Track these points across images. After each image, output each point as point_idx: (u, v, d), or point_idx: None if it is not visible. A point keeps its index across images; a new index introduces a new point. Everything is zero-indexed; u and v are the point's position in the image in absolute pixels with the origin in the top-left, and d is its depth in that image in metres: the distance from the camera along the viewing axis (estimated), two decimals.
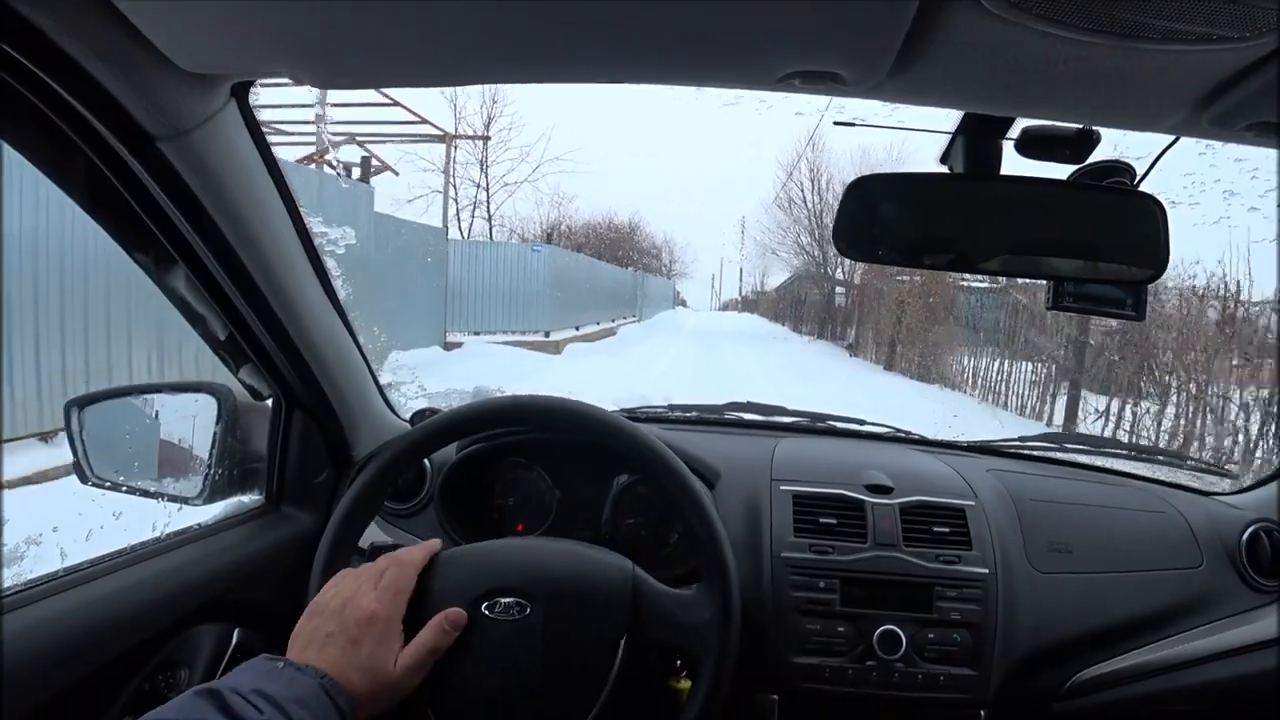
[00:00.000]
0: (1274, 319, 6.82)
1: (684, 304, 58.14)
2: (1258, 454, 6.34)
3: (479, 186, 25.86)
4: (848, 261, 20.10)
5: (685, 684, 0.87)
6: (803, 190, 26.53)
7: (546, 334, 15.60)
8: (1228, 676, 1.17)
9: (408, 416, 1.28)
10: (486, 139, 24.04)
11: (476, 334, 14.40)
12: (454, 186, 21.06)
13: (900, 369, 14.22)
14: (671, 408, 1.52)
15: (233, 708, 0.61)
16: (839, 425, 1.49)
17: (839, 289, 22.15)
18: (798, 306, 29.50)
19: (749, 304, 57.77)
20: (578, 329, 17.90)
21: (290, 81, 0.68)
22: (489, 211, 26.49)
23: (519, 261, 15.82)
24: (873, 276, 17.07)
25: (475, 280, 14.97)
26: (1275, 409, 6.36)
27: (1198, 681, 1.16)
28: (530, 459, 1.22)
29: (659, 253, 49.35)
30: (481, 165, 25.69)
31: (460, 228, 23.64)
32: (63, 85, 0.63)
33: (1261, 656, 1.18)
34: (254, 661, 0.71)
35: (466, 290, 14.64)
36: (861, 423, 1.50)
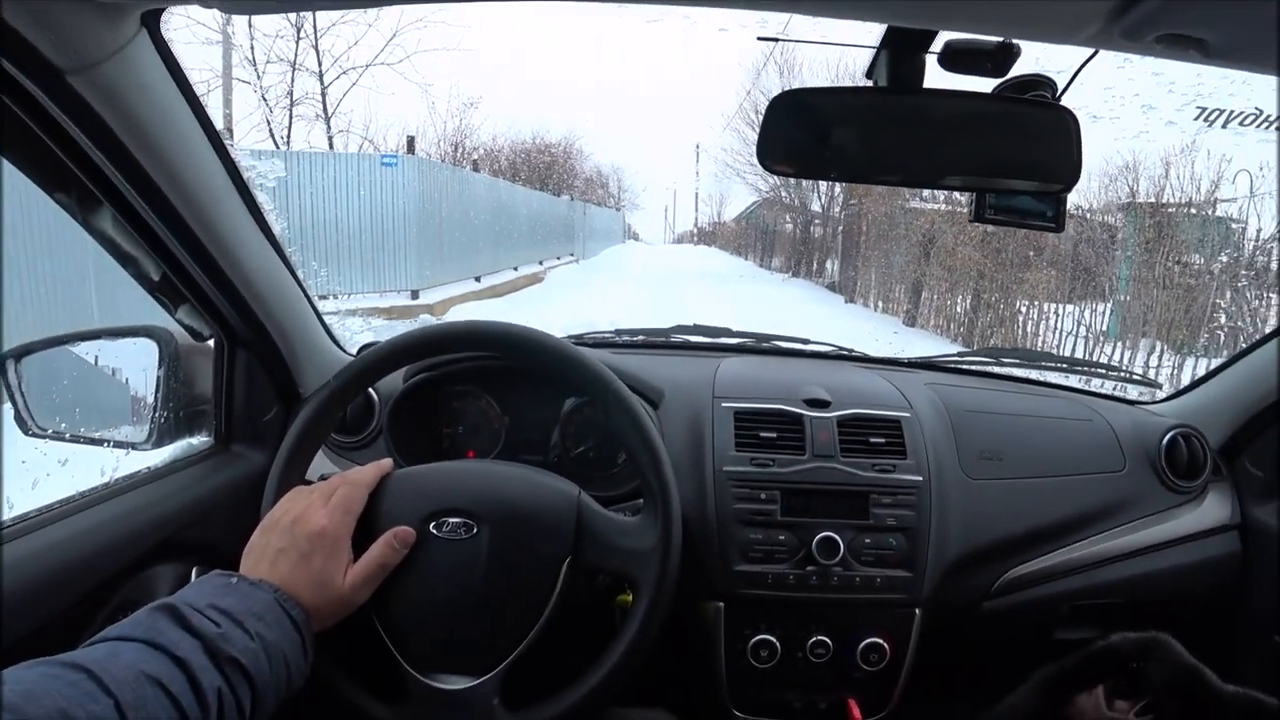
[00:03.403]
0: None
1: (636, 237, 55.14)
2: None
3: (296, 67, 15.50)
4: (823, 184, 16.56)
5: (631, 598, 0.91)
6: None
7: (414, 294, 10.99)
8: (1142, 572, 1.25)
9: (353, 350, 1.28)
10: None
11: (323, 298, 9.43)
12: (255, 68, 14.79)
13: (934, 326, 10.78)
14: (618, 332, 1.54)
15: (190, 621, 0.63)
16: (783, 345, 1.53)
17: (814, 221, 19.71)
18: (765, 238, 27.27)
19: (706, 236, 56.46)
20: (478, 280, 13.38)
21: (199, 7, 0.65)
22: (325, 107, 16.21)
23: (366, 182, 10.55)
24: (875, 201, 13.02)
25: (294, 212, 9.86)
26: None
27: (1116, 577, 1.25)
28: (478, 386, 1.24)
29: (605, 181, 45.39)
30: (299, 33, 15.24)
31: (274, 133, 15.49)
32: None
33: (1174, 553, 1.27)
34: (208, 577, 0.72)
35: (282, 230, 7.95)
36: (806, 342, 1.53)
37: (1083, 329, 8.23)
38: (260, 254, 1.02)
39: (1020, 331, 9.16)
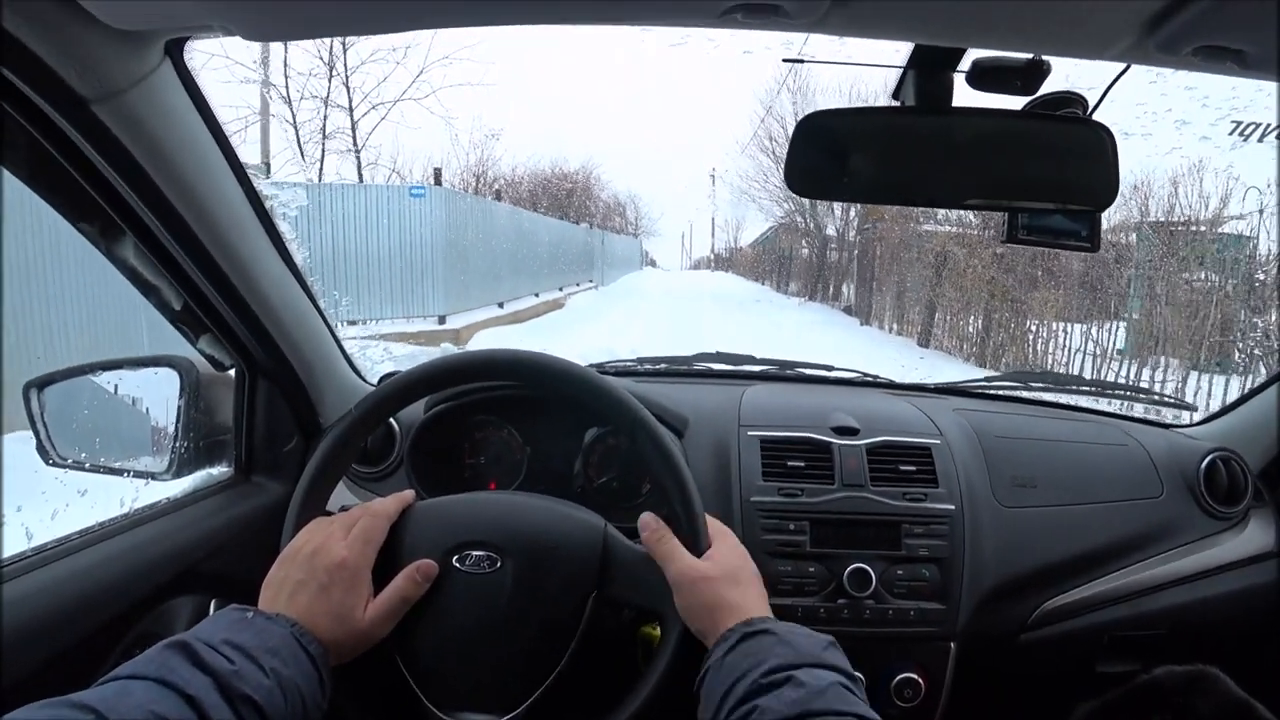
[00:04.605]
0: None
1: (653, 264, 55.35)
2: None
3: (328, 103, 16.12)
4: (838, 208, 17.07)
5: (657, 631, 0.88)
6: (785, 126, 22.45)
7: (441, 319, 11.28)
8: (1185, 601, 1.21)
9: (374, 380, 1.27)
10: None
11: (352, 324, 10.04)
12: (289, 103, 15.46)
13: (947, 347, 10.94)
14: (640, 361, 1.53)
15: (203, 658, 0.62)
16: (807, 371, 1.51)
17: (830, 244, 19.90)
18: (781, 263, 27.24)
19: (723, 261, 56.45)
20: (501, 306, 13.69)
21: (221, 35, 0.66)
22: (355, 141, 16.79)
23: (395, 213, 11.01)
24: (889, 224, 13.39)
25: (326, 243, 10.35)
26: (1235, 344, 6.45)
27: (1157, 607, 1.21)
28: (499, 416, 1.22)
29: (623, 209, 45.69)
30: (331, 71, 15.91)
31: (307, 166, 15.94)
32: None
33: (1216, 581, 1.23)
34: (223, 612, 0.71)
35: (314, 258, 7.09)
36: (829, 368, 1.51)
37: (1092, 345, 8.33)
38: (282, 283, 1.02)
39: (1031, 350, 9.29)
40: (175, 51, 0.74)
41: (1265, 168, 6.61)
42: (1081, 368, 8.29)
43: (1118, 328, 8.14)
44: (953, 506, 1.12)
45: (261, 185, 0.93)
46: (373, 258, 10.88)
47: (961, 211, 9.92)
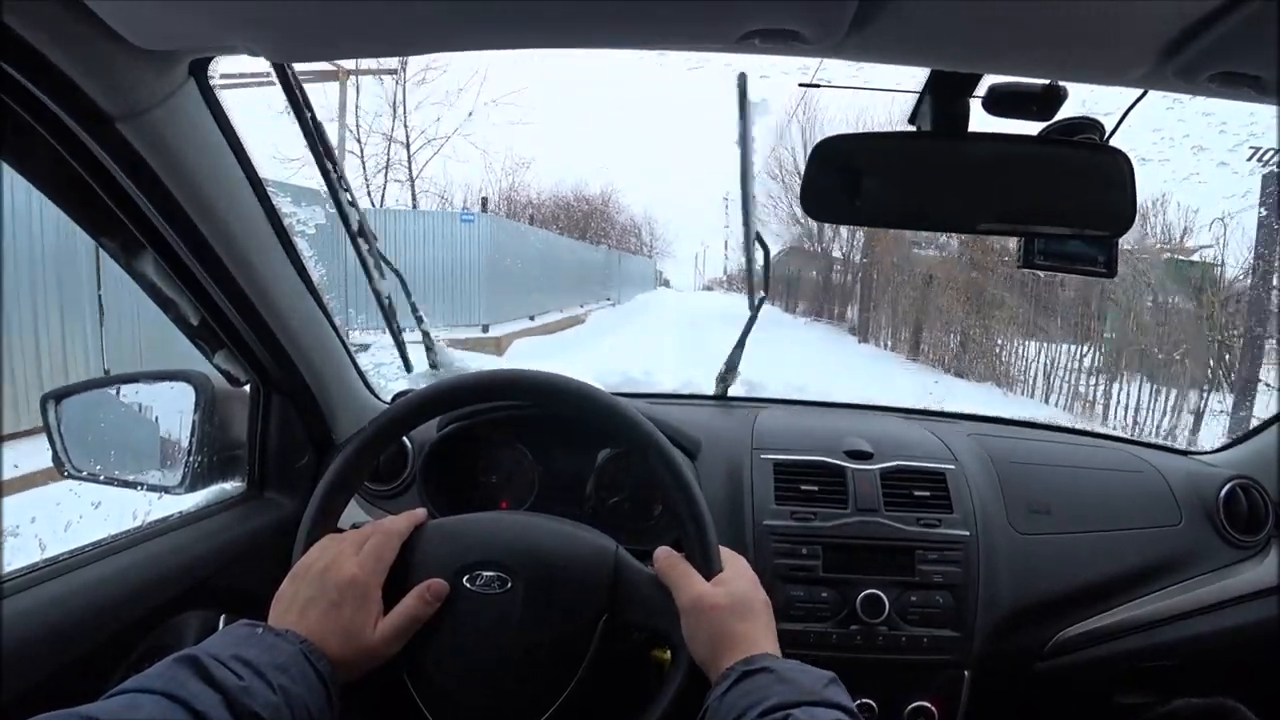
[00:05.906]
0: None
1: (667, 284, 55.84)
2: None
3: (392, 140, 18.74)
4: (844, 233, 18.13)
5: (668, 654, 0.87)
6: (794, 155, 22.57)
7: (485, 328, 12.58)
8: (1204, 631, 1.19)
9: (388, 398, 1.27)
10: (392, 72, 16.81)
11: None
12: (358, 141, 17.74)
13: (932, 359, 12.25)
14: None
15: (212, 673, 0.61)
16: (821, 399, 1.50)
17: (835, 267, 20.48)
18: (789, 284, 27.25)
19: (735, 282, 56.59)
20: (532, 319, 15.10)
21: (246, 55, 0.67)
22: (410, 172, 19.33)
23: (446, 235, 12.77)
24: (885, 249, 14.73)
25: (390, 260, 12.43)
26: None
27: (1176, 637, 1.18)
28: (512, 436, 1.22)
29: (639, 230, 45.68)
30: (394, 111, 18.54)
31: (371, 194, 18.49)
32: (14, 67, 0.62)
33: (1238, 611, 1.20)
34: (233, 627, 0.70)
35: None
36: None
37: (1062, 358, 9.14)
38: (299, 301, 1.03)
39: (999, 362, 10.61)
40: (199, 71, 0.75)
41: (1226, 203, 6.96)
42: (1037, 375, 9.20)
43: (1092, 349, 8.88)
44: (967, 532, 1.11)
45: (280, 203, 0.94)
46: (426, 274, 12.26)
47: (945, 238, 11.57)
